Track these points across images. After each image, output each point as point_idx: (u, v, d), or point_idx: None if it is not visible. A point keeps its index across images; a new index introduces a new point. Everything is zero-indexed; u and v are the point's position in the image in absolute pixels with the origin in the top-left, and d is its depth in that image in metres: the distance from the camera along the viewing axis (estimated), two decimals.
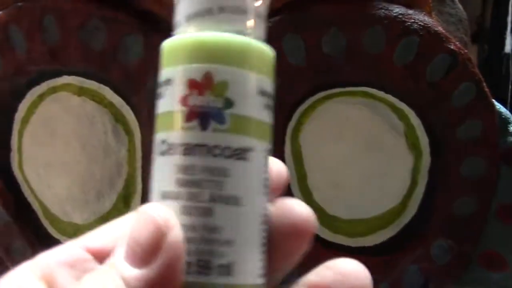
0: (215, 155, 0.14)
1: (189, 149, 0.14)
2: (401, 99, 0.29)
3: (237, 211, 0.14)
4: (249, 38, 0.15)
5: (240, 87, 0.14)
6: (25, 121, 0.30)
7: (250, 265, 0.14)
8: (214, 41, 0.14)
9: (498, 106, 0.31)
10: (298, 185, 0.31)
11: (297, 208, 0.15)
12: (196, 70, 0.14)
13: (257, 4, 0.15)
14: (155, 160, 0.15)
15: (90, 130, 0.28)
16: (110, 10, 0.27)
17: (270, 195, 0.15)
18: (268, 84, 0.15)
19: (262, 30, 0.15)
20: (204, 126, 0.14)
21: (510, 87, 1.02)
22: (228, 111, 0.14)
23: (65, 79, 0.28)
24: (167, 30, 0.27)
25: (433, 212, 0.31)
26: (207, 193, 0.14)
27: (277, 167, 0.16)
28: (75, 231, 0.30)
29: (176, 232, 0.13)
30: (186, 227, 0.14)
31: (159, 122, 0.15)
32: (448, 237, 0.31)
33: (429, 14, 0.29)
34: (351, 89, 0.29)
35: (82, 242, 0.15)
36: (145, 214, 0.14)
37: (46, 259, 0.15)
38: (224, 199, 0.14)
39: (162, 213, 0.14)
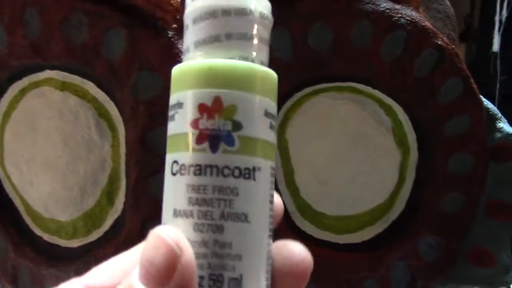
0: (225, 175, 0.15)
1: (200, 170, 0.15)
2: (389, 95, 0.29)
3: (246, 227, 0.15)
4: (254, 64, 0.16)
5: (248, 110, 0.15)
6: (7, 116, 0.30)
7: (258, 277, 0.15)
8: (222, 67, 0.15)
9: (486, 102, 0.31)
10: (285, 182, 0.30)
11: (296, 252, 0.16)
12: (206, 94, 0.15)
13: (262, 30, 0.16)
14: (166, 179, 0.16)
15: (73, 125, 0.28)
16: (93, 4, 0.27)
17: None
18: (273, 106, 0.16)
19: (266, 54, 0.17)
20: (214, 148, 0.15)
21: (498, 85, 1.02)
22: (236, 133, 0.15)
23: (48, 74, 0.28)
24: (151, 25, 0.27)
25: (420, 209, 0.31)
26: (218, 211, 0.15)
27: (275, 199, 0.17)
28: (58, 228, 0.29)
29: (188, 254, 0.14)
30: (198, 243, 0.15)
31: (170, 144, 0.16)
32: (436, 233, 0.31)
33: (416, 9, 0.29)
34: (338, 84, 0.29)
35: (84, 281, 0.16)
36: (157, 237, 0.15)
37: None
38: (234, 216, 0.15)
39: (173, 235, 0.14)
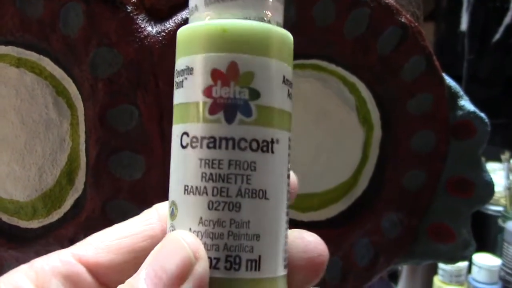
0: (241, 149, 0.14)
1: (214, 143, 0.14)
2: (352, 72, 0.29)
3: (264, 204, 0.14)
4: (272, 25, 0.14)
5: (266, 77, 0.14)
6: None
7: (276, 258, 0.14)
8: (238, 28, 0.14)
9: (448, 80, 0.31)
10: None
11: (312, 245, 0.16)
12: (220, 59, 0.14)
13: None
14: (175, 152, 0.14)
15: (30, 103, 0.27)
16: None
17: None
18: (290, 71, 0.15)
19: (281, 15, 0.15)
20: (230, 118, 0.14)
21: (465, 64, 1.04)
22: (254, 103, 0.14)
23: (2, 50, 0.27)
24: None
25: (383, 186, 0.31)
26: (234, 188, 0.14)
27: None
28: (17, 209, 0.29)
29: (203, 264, 0.13)
30: (214, 222, 0.14)
31: (179, 113, 0.14)
32: (398, 210, 0.31)
33: None
34: (301, 62, 0.28)
35: (76, 250, 0.15)
36: (175, 242, 0.14)
37: (41, 265, 0.15)
38: (252, 192, 0.14)
39: (191, 242, 0.14)
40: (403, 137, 0.30)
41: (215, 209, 0.14)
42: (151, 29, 0.26)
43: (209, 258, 0.14)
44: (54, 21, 0.26)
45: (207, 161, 0.14)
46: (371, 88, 0.29)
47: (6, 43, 0.27)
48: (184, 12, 0.26)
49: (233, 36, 0.14)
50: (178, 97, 0.14)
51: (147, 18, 0.26)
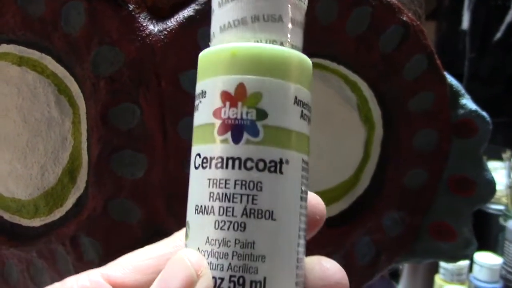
0: (248, 168, 0.14)
1: (222, 163, 0.14)
2: (354, 71, 0.29)
3: (271, 225, 0.14)
4: (284, 47, 0.15)
5: (274, 98, 0.14)
6: None
7: (284, 281, 0.14)
8: (246, 51, 0.14)
9: (450, 78, 0.31)
10: None
11: (330, 272, 0.16)
12: (229, 81, 0.14)
13: (294, 12, 0.15)
14: (190, 173, 0.15)
15: (32, 102, 0.27)
16: None
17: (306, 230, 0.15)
18: (305, 93, 0.15)
19: (299, 38, 0.15)
20: (236, 139, 0.14)
21: (466, 63, 1.04)
22: (261, 123, 0.14)
23: (4, 48, 0.27)
24: None
25: (385, 184, 0.31)
26: (240, 207, 0.14)
27: (314, 202, 0.16)
28: (19, 207, 0.29)
29: (205, 283, 0.14)
30: (219, 242, 0.14)
31: (194, 135, 0.15)
32: (400, 209, 0.31)
33: None
34: None
35: (105, 271, 0.16)
36: (179, 260, 0.14)
37: (72, 284, 0.16)
38: (258, 213, 0.14)
39: (195, 261, 0.14)
40: (404, 135, 0.30)
41: (221, 228, 0.14)
42: (153, 27, 0.26)
43: (214, 277, 0.14)
44: (55, 19, 0.26)
45: (214, 181, 0.14)
46: (373, 87, 0.29)
47: (8, 42, 0.27)
48: (186, 11, 0.26)
49: (241, 59, 0.14)
50: (195, 120, 0.15)
51: (148, 17, 0.26)
